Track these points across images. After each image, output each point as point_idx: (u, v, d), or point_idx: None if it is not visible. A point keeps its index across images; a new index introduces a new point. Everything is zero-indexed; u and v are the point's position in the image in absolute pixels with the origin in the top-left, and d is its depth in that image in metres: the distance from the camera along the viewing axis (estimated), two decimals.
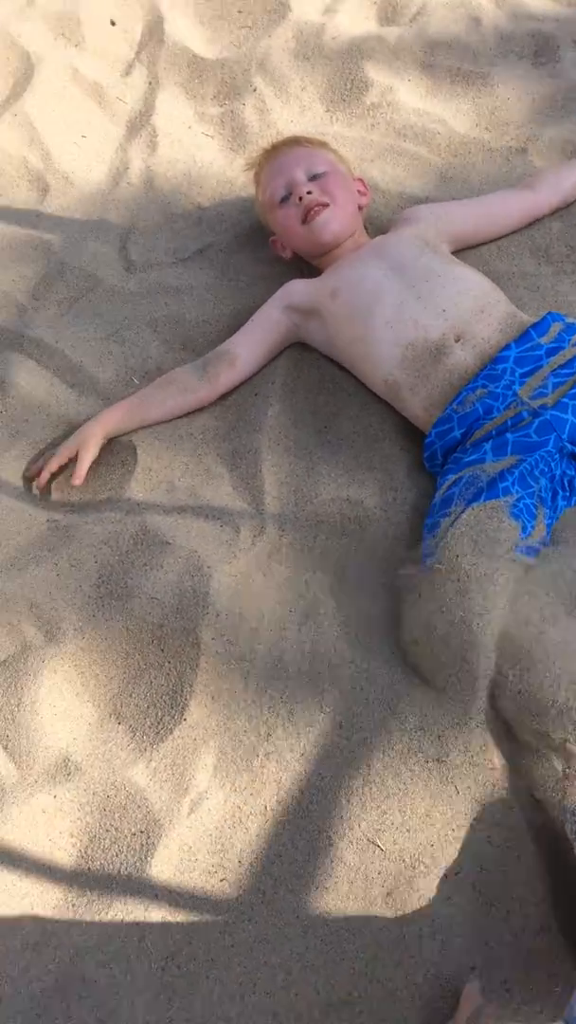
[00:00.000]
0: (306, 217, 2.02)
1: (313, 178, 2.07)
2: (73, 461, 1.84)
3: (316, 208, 2.01)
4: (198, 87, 2.64)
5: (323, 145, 2.20)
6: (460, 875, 1.31)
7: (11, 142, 2.43)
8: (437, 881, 1.32)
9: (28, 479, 1.87)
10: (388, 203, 2.31)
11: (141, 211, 2.35)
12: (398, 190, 2.34)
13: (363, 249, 2.03)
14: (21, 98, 2.52)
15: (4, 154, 2.41)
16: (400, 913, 1.30)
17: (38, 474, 1.85)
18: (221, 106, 2.61)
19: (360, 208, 2.14)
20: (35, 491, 1.85)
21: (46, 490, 1.84)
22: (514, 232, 2.22)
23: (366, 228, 2.23)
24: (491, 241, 2.20)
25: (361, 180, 2.21)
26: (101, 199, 2.37)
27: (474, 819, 1.33)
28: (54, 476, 1.85)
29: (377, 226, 2.26)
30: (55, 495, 1.84)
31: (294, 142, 2.18)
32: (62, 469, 1.85)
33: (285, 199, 2.06)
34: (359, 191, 2.15)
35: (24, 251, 2.23)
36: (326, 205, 2.02)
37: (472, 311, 1.83)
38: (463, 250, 2.15)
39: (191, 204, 2.37)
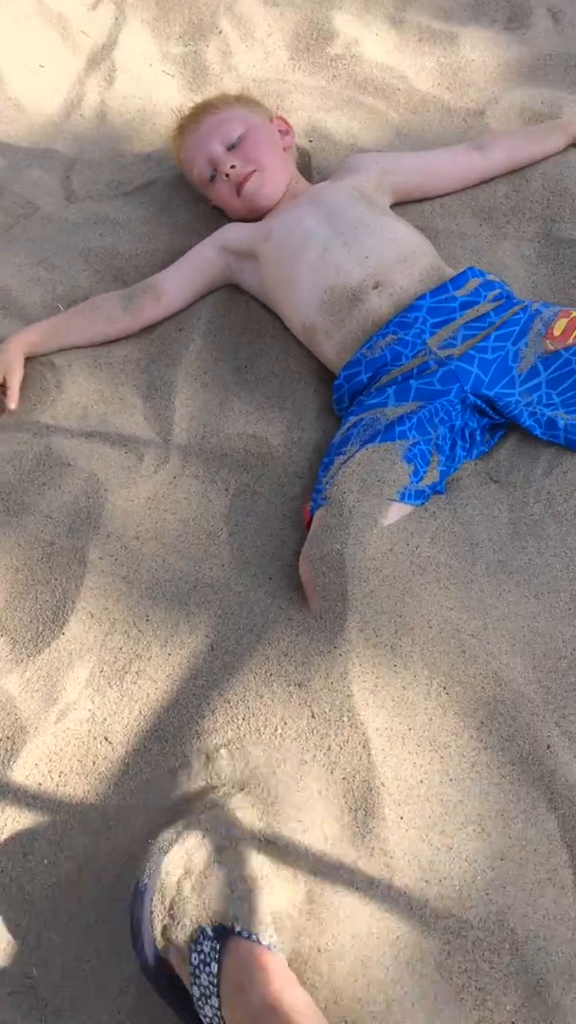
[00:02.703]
0: (238, 189, 2.02)
1: (231, 147, 2.04)
2: (2, 385, 1.85)
3: (244, 179, 2.01)
4: (164, 26, 2.64)
5: (230, 102, 2.13)
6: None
7: None
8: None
9: None
10: (338, 154, 2.31)
11: (90, 143, 2.35)
12: (350, 142, 2.34)
13: (302, 196, 2.04)
14: None
15: None
16: None
17: None
18: (185, 46, 2.60)
19: (286, 149, 2.12)
20: None
21: None
22: (459, 191, 2.23)
23: (312, 175, 2.24)
24: (435, 198, 2.21)
25: (281, 118, 2.17)
26: (51, 129, 2.37)
27: (320, 744, 1.36)
28: None
29: (324, 175, 2.26)
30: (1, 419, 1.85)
31: (202, 110, 2.11)
32: None
33: (213, 177, 2.06)
34: (280, 130, 2.12)
35: None
36: (253, 172, 2.01)
37: (394, 260, 1.84)
38: (405, 203, 2.16)
39: (141, 140, 2.37)
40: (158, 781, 1.38)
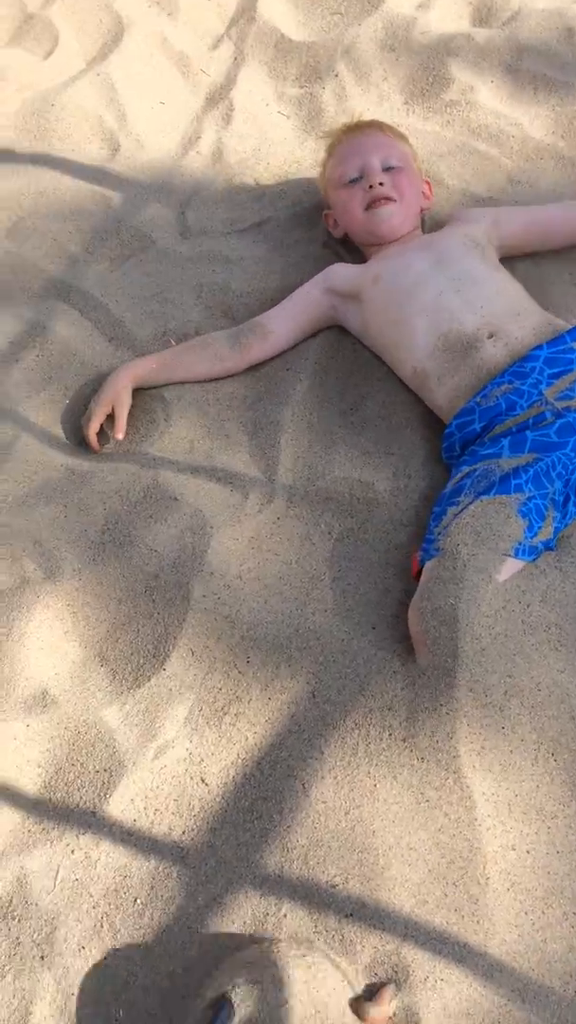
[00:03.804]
0: (370, 205, 2.03)
1: (387, 169, 2.07)
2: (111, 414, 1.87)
3: (382, 200, 2.02)
4: (281, 67, 2.67)
5: (403, 138, 2.20)
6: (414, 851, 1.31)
7: (89, 99, 2.48)
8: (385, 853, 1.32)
9: (83, 443, 1.86)
10: (450, 199, 2.30)
11: (205, 180, 2.38)
12: (462, 187, 2.33)
13: (413, 241, 2.04)
14: (107, 59, 2.57)
15: (81, 111, 2.46)
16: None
17: (88, 440, 1.85)
18: (301, 88, 2.63)
19: (422, 210, 2.14)
20: (93, 451, 1.84)
21: (100, 449, 1.85)
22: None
23: (423, 221, 2.24)
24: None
25: (428, 182, 2.20)
26: (168, 164, 2.41)
27: (423, 804, 1.32)
28: (100, 432, 1.87)
29: (436, 220, 2.25)
30: (107, 448, 1.86)
31: (377, 127, 2.18)
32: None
33: (355, 180, 2.07)
34: (424, 193, 2.16)
35: (84, 205, 2.28)
36: (392, 200, 2.03)
37: (506, 312, 1.82)
38: (514, 256, 2.13)
39: (255, 179, 2.39)
40: (253, 838, 1.35)
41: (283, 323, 1.98)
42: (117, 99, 2.51)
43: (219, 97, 2.59)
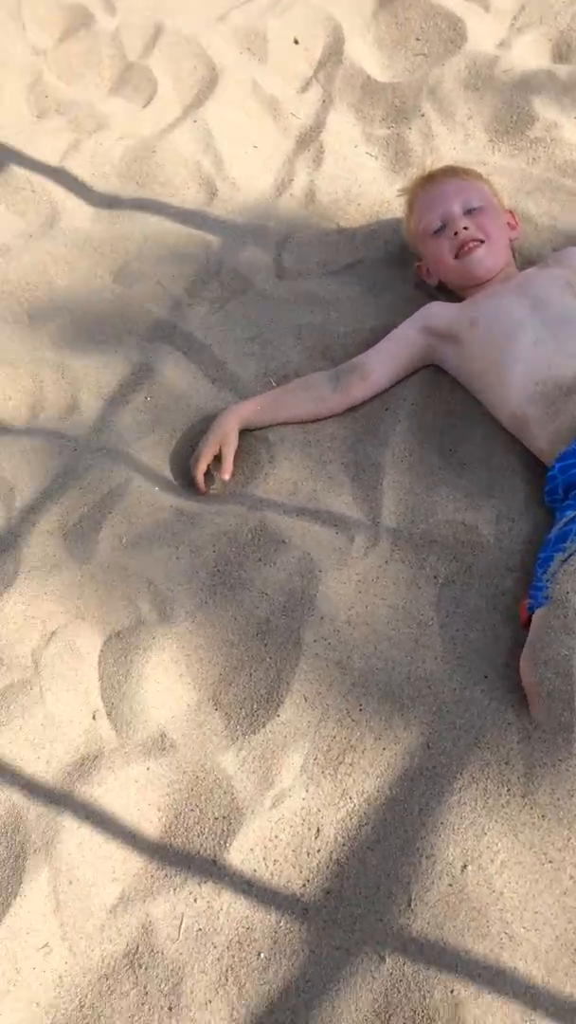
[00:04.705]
0: (459, 252, 1.93)
1: (468, 212, 1.97)
2: (217, 456, 1.80)
3: (471, 244, 1.93)
4: (368, 108, 2.57)
5: (478, 177, 2.10)
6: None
7: (188, 145, 2.41)
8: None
9: (190, 485, 1.80)
10: (539, 235, 2.19)
11: (299, 222, 2.29)
12: (550, 223, 2.21)
13: (509, 282, 1.93)
14: (203, 105, 2.50)
15: (180, 156, 2.39)
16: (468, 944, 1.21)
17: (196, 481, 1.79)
18: (388, 128, 2.53)
19: (511, 241, 2.03)
20: (200, 493, 1.78)
21: (207, 491, 1.79)
22: None
23: (514, 256, 2.12)
24: None
25: (511, 212, 2.10)
26: (264, 207, 2.33)
27: (546, 864, 1.22)
28: (207, 474, 1.80)
29: (525, 256, 2.14)
30: (213, 490, 1.79)
31: (451, 173, 2.08)
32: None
33: (439, 230, 1.97)
34: (509, 224, 2.05)
35: (186, 249, 2.21)
36: (481, 242, 1.93)
37: None
38: None
39: (346, 220, 2.30)
40: (372, 893, 1.27)
41: (382, 363, 1.89)
42: (213, 144, 2.43)
43: (309, 139, 2.50)
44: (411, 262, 2.14)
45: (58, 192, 2.36)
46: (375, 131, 2.53)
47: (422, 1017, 1.16)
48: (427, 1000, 1.16)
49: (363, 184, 2.39)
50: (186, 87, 2.58)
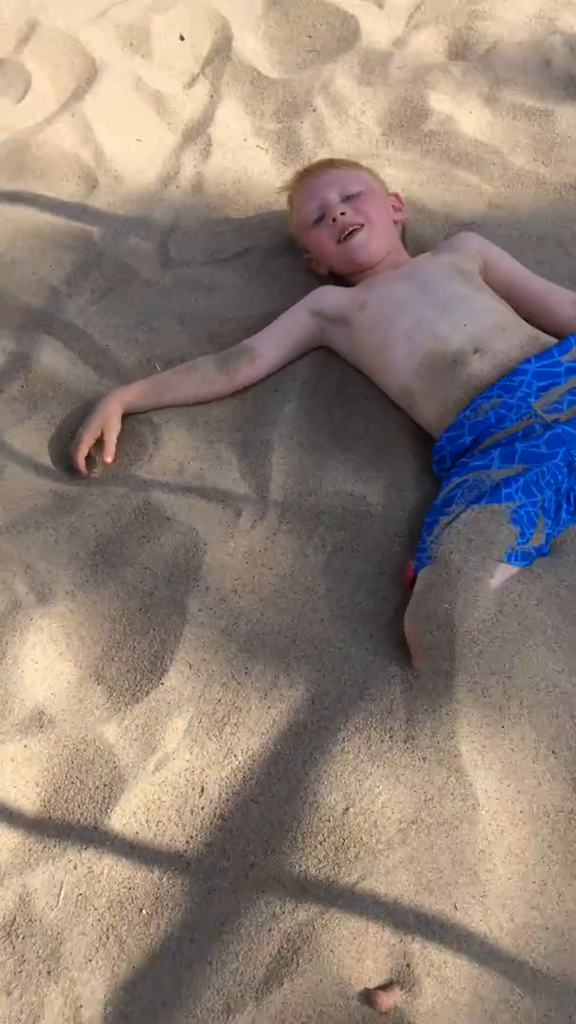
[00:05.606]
0: (340, 238, 2.21)
1: (347, 199, 2.24)
2: (100, 439, 2.00)
3: (350, 229, 2.20)
4: (258, 103, 2.88)
5: (356, 166, 2.38)
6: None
7: (65, 139, 2.67)
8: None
9: (70, 469, 1.99)
10: (433, 224, 2.49)
11: (186, 213, 2.56)
12: (445, 212, 2.52)
13: (399, 268, 2.21)
14: (82, 100, 2.78)
15: (57, 150, 2.65)
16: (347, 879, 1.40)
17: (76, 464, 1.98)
18: (279, 122, 2.84)
19: (396, 223, 2.32)
20: (81, 476, 1.97)
21: (88, 474, 1.98)
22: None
23: (406, 245, 2.42)
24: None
25: (396, 195, 2.38)
26: (148, 199, 2.60)
27: (427, 802, 1.43)
28: (88, 457, 2.00)
29: (419, 245, 2.43)
30: (94, 473, 1.99)
31: (328, 164, 2.36)
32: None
33: (318, 220, 2.25)
34: (394, 206, 2.34)
35: (65, 240, 2.46)
36: (361, 226, 2.21)
37: (492, 328, 1.98)
38: None
39: (236, 211, 2.58)
40: (257, 844, 1.45)
41: (271, 346, 2.14)
42: (93, 138, 2.70)
43: (196, 133, 2.79)
44: (300, 251, 2.42)
45: None
46: (265, 125, 2.84)
47: (291, 950, 1.34)
48: (304, 933, 1.35)
49: (253, 176, 2.68)
50: (64, 82, 2.86)
